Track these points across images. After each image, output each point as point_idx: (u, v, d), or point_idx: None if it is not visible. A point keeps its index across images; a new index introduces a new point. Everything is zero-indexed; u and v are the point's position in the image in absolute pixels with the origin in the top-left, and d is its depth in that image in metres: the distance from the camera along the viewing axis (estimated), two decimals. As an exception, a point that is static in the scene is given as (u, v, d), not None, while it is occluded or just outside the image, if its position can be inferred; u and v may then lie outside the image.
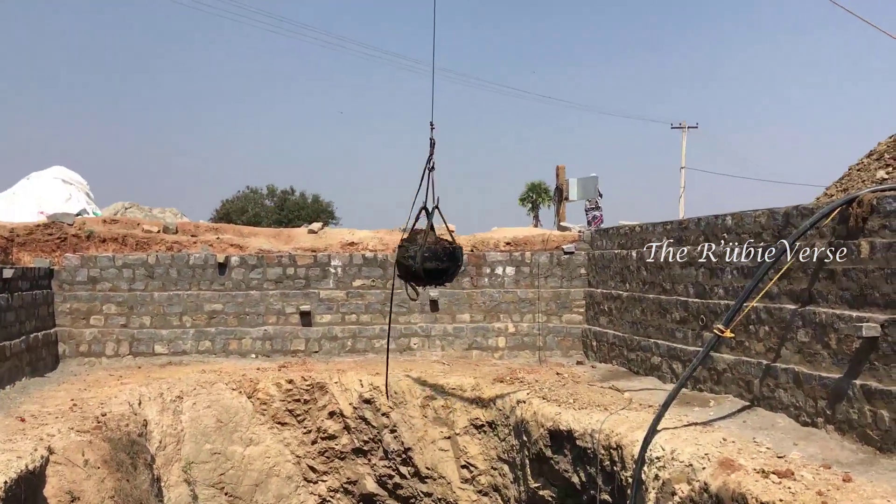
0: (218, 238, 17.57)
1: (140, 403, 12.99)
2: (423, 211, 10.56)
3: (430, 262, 10.34)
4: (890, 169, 12.53)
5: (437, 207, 10.58)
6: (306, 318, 16.53)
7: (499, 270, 17.11)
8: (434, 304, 16.83)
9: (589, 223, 22.43)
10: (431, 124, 10.47)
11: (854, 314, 8.87)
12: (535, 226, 32.71)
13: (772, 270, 10.04)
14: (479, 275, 17.04)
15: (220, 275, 16.36)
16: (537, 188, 46.79)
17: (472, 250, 17.29)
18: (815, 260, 9.60)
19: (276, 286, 16.54)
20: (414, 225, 10.63)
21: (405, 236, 10.67)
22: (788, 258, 9.88)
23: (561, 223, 21.81)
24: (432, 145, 10.40)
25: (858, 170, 13.50)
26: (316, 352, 16.54)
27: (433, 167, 10.33)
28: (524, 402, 12.96)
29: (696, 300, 12.47)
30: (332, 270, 16.69)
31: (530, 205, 48.27)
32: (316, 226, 18.55)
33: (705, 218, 12.46)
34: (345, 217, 45.75)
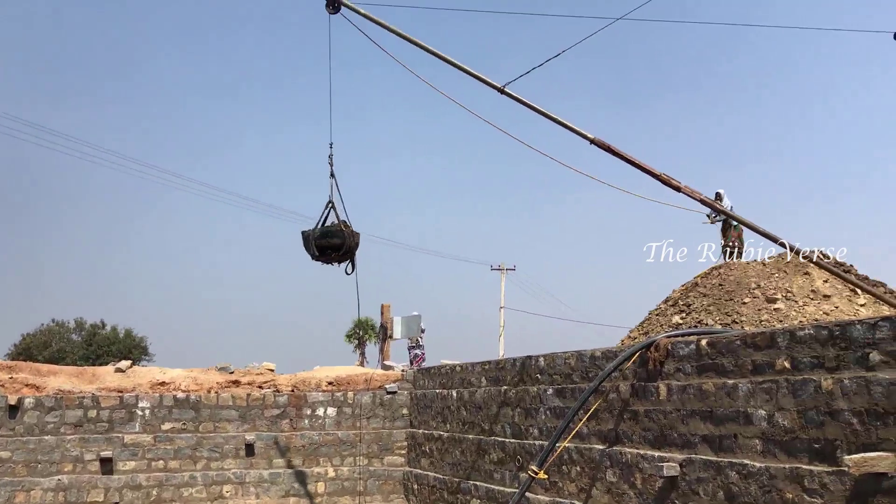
0: (11, 377, 16.08)
1: None
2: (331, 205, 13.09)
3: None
4: (683, 314, 13.59)
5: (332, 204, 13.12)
6: (108, 465, 15.24)
7: (320, 411, 16.68)
8: (250, 449, 16.04)
9: (411, 362, 22.54)
10: (330, 145, 13.18)
11: (656, 454, 9.29)
12: (361, 364, 32.43)
13: (581, 411, 10.41)
14: (299, 416, 16.53)
15: (11, 418, 14.91)
16: (364, 325, 46.76)
17: (292, 391, 16.82)
18: (620, 401, 10.07)
19: (76, 430, 15.24)
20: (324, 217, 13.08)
21: (319, 226, 12.98)
22: (595, 400, 10.30)
23: (385, 362, 21.74)
24: (331, 156, 13.14)
25: (657, 314, 14.55)
26: (117, 503, 15.18)
27: (332, 174, 13.12)
28: (341, 552, 12.40)
29: (513, 441, 12.64)
30: (140, 412, 15.64)
31: (357, 342, 48.06)
32: (124, 364, 17.46)
33: (520, 359, 12.85)
34: (160, 354, 43.38)
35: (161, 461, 15.61)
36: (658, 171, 10.67)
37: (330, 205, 13.08)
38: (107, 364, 20.05)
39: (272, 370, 18.02)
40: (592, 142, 10.93)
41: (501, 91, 11.04)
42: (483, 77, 11.05)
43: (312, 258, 13.07)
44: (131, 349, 37.98)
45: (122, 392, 16.01)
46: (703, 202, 11.01)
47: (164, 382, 16.72)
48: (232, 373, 17.58)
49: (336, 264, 13.25)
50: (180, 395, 16.08)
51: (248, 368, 18.07)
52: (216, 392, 16.40)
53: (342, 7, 11.13)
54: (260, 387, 17.02)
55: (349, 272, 13.26)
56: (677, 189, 10.69)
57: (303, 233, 13.09)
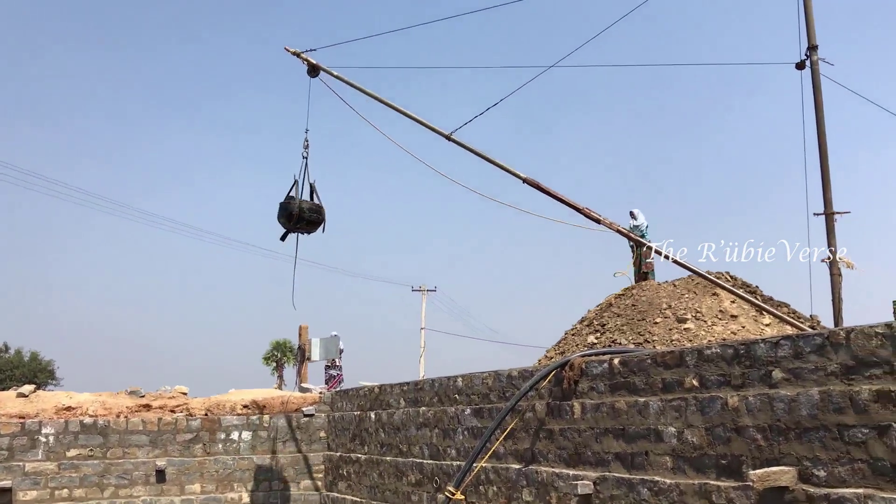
0: None
1: None
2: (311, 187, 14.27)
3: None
4: (598, 334, 13.86)
5: (312, 185, 14.27)
6: (6, 495, 14.49)
7: (234, 435, 16.30)
8: (161, 475, 15.53)
9: (327, 382, 22.26)
10: (307, 130, 14.17)
11: (571, 472, 9.40)
12: (279, 386, 31.83)
13: (498, 431, 10.47)
14: (212, 440, 16.11)
15: None
16: (282, 346, 45.99)
17: (205, 414, 16.40)
18: (536, 420, 10.17)
19: (-28, 459, 14.48)
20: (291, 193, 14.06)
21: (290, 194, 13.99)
22: (512, 419, 10.38)
23: (302, 384, 21.37)
24: (306, 144, 14.07)
25: (573, 334, 14.79)
26: (16, 535, 14.48)
27: (307, 154, 14.11)
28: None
29: (431, 462, 12.62)
30: (43, 439, 14.97)
31: (274, 364, 47.22)
32: (27, 388, 16.70)
33: (438, 379, 12.86)
34: (68, 378, 41.79)
35: (65, 490, 14.96)
36: (581, 205, 11.51)
37: (312, 185, 14.28)
38: (9, 389, 19.19)
39: (185, 393, 17.54)
40: (525, 181, 11.98)
41: (448, 138, 12.25)
42: (432, 125, 12.41)
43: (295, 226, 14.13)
44: (37, 373, 36.53)
45: (24, 418, 15.31)
46: (619, 232, 11.80)
47: (70, 407, 16.05)
48: (143, 396, 17.04)
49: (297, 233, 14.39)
50: (87, 420, 15.48)
51: (160, 392, 17.55)
52: (126, 417, 15.86)
53: (320, 72, 12.90)
54: (172, 411, 16.54)
55: (284, 240, 14.41)
56: (598, 221, 11.90)
57: (321, 207, 14.11)
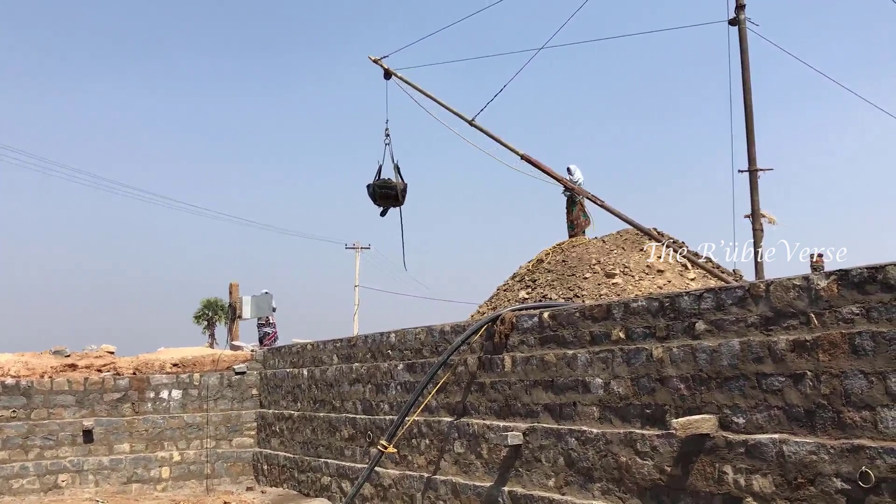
0: None
1: None
2: (396, 168, 14.74)
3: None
4: (529, 289, 14.03)
5: (397, 166, 14.77)
6: (-75, 459, 14.09)
7: (164, 394, 16.07)
8: (88, 435, 15.24)
9: (260, 340, 22.07)
10: (386, 121, 14.62)
11: (501, 424, 9.56)
12: (211, 345, 31.42)
13: (430, 385, 10.56)
14: (141, 400, 15.86)
15: None
16: (213, 305, 45.35)
17: (134, 373, 16.11)
18: (467, 374, 10.28)
19: None
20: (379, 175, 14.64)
21: (377, 180, 14.59)
22: (444, 373, 10.48)
23: (233, 342, 21.15)
24: (387, 130, 14.56)
25: (505, 290, 14.94)
26: (-64, 499, 14.08)
27: (388, 142, 14.58)
28: (187, 537, 12.06)
29: (364, 417, 12.68)
30: (-38, 401, 14.51)
31: (206, 322, 46.60)
32: (-56, 350, 16.14)
33: (372, 335, 12.88)
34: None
35: (-13, 452, 14.58)
36: (560, 176, 13.82)
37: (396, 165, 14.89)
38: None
39: (112, 353, 17.19)
40: (522, 157, 13.13)
41: (471, 123, 13.35)
42: (458, 112, 13.56)
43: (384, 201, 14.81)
44: (-46, 334, 35.19)
45: (-59, 380, 14.80)
46: (588, 197, 14.00)
47: (-10, 368, 15.60)
48: (68, 356, 16.64)
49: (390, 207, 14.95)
50: (9, 381, 15.05)
51: (86, 352, 17.16)
52: (50, 377, 15.47)
53: (392, 76, 14.13)
54: (99, 370, 16.20)
55: (384, 215, 15.02)
56: (570, 189, 14.26)
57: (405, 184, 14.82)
